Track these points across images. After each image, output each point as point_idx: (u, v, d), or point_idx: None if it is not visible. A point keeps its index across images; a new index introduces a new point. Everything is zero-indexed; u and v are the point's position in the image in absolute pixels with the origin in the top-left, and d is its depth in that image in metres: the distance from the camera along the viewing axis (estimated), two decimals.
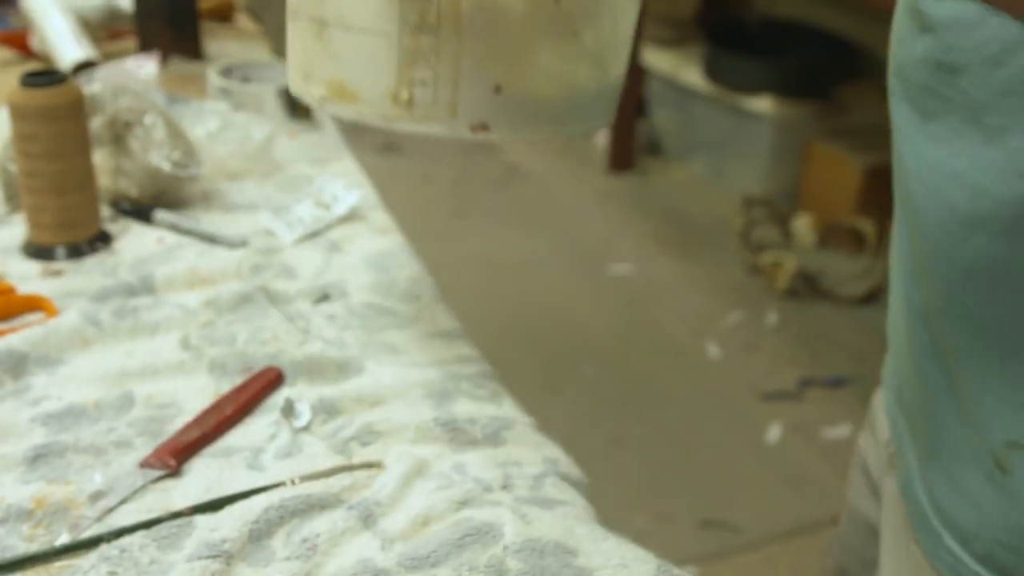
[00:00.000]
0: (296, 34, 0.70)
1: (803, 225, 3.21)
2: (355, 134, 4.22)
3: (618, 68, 0.74)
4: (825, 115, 3.34)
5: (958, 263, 0.63)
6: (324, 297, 0.98)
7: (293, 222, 1.09)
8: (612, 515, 2.47)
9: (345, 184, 1.15)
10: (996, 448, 0.65)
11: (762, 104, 3.28)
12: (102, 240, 1.08)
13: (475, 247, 3.31)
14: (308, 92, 0.71)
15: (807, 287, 3.02)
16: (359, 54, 0.66)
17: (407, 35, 0.64)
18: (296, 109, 1.33)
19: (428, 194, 3.68)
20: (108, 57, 1.59)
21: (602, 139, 3.88)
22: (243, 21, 1.88)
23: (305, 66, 0.70)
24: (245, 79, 1.39)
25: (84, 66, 1.50)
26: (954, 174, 0.61)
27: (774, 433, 2.43)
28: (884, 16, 3.15)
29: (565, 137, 0.72)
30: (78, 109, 1.03)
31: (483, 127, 0.67)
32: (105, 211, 1.13)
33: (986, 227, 0.60)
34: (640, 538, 0.73)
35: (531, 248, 3.30)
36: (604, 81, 0.72)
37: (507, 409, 0.86)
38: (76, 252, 1.05)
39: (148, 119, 1.13)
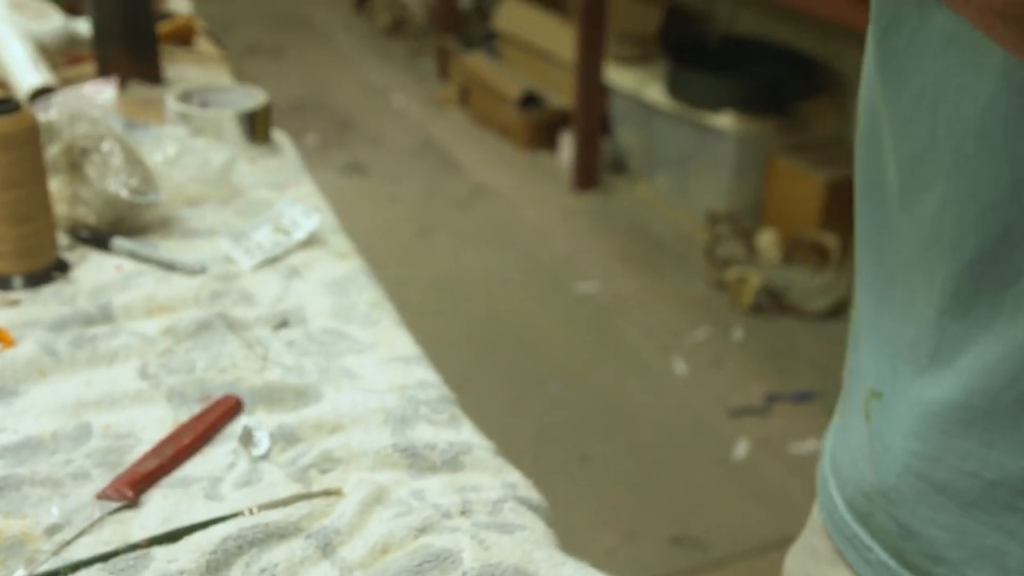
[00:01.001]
0: None
1: (767, 240, 3.23)
2: (320, 155, 4.22)
3: None
4: (786, 130, 3.37)
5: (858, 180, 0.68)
6: (283, 323, 0.98)
7: (252, 248, 1.09)
8: (580, 533, 2.48)
9: (304, 209, 1.14)
10: (865, 396, 0.68)
11: (724, 120, 3.30)
12: (60, 268, 1.07)
13: (440, 266, 3.31)
14: None
15: (772, 302, 3.03)
16: None
17: None
18: (255, 133, 1.33)
19: (393, 214, 3.68)
20: (67, 82, 1.58)
21: (567, 157, 3.89)
22: (203, 44, 1.87)
23: None
24: (204, 104, 1.38)
25: (42, 92, 1.49)
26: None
27: (742, 449, 2.44)
28: (843, 33, 3.20)
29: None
30: (33, 137, 1.03)
31: None
32: (63, 239, 1.12)
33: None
34: (609, 556, 0.73)
35: (496, 267, 3.30)
36: None
37: (466, 434, 0.86)
38: (34, 281, 1.04)
39: (105, 146, 1.12)
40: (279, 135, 1.40)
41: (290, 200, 1.18)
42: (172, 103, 1.35)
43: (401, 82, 5.09)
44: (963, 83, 0.56)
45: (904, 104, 0.61)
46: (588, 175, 3.80)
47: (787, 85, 3.40)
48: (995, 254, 0.57)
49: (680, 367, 2.76)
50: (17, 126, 1.01)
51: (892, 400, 0.65)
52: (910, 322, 0.63)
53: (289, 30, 6.07)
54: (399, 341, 0.97)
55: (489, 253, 3.39)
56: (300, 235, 1.11)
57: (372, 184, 3.91)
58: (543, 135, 4.12)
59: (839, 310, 3.00)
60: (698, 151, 3.49)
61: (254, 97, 1.38)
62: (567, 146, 3.92)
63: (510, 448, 0.87)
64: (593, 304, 3.08)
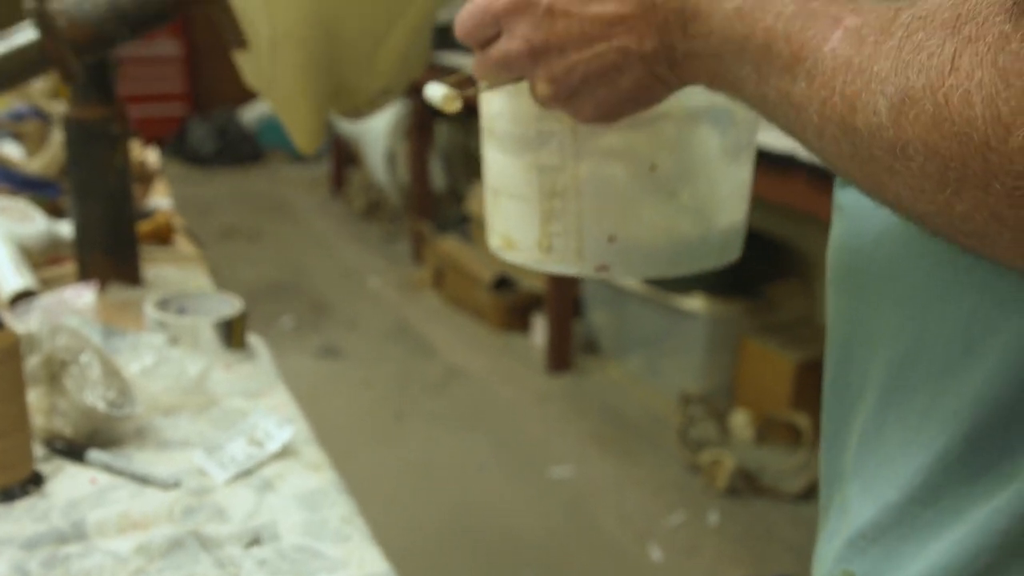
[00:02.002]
0: (486, 201, 0.91)
1: (740, 421, 3.26)
2: (295, 338, 4.23)
3: (726, 218, 0.86)
4: (756, 312, 3.43)
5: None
6: (255, 541, 0.99)
7: (226, 461, 1.10)
8: None
9: (278, 420, 1.16)
10: None
11: (695, 303, 3.37)
12: (34, 482, 1.08)
13: (415, 451, 3.31)
14: (491, 242, 0.90)
15: (747, 484, 3.04)
16: (516, 214, 0.86)
17: (544, 200, 0.83)
18: (232, 340, 1.36)
19: (368, 398, 3.69)
20: (48, 283, 1.62)
21: (540, 339, 3.94)
22: (182, 244, 1.92)
23: (488, 224, 0.90)
24: (181, 310, 1.41)
25: (24, 295, 1.53)
26: None
27: None
28: (810, 218, 3.30)
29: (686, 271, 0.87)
30: (15, 354, 1.05)
31: (604, 268, 0.84)
32: (38, 450, 1.13)
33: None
34: None
35: (471, 451, 3.30)
36: (709, 230, 0.85)
37: None
38: (8, 496, 1.05)
39: (84, 358, 1.15)
40: (254, 339, 1.43)
41: (264, 411, 1.20)
42: (150, 311, 1.38)
43: (376, 265, 5.17)
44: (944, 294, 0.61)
45: (887, 311, 0.66)
46: (561, 357, 3.84)
47: (755, 268, 3.49)
48: (970, 445, 0.60)
49: (656, 554, 2.74)
50: (0, 344, 1.03)
51: None
52: (878, 508, 0.66)
53: (266, 213, 6.19)
54: (369, 557, 0.98)
55: (464, 437, 3.39)
56: (274, 447, 1.13)
57: (347, 368, 3.93)
58: (516, 317, 4.18)
59: (813, 491, 3.00)
60: (669, 332, 3.54)
61: (230, 304, 1.41)
62: (540, 328, 3.98)
63: None
64: (568, 489, 3.08)
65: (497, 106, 0.84)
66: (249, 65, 1.38)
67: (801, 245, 3.52)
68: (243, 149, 7.52)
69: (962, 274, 0.60)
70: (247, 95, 6.84)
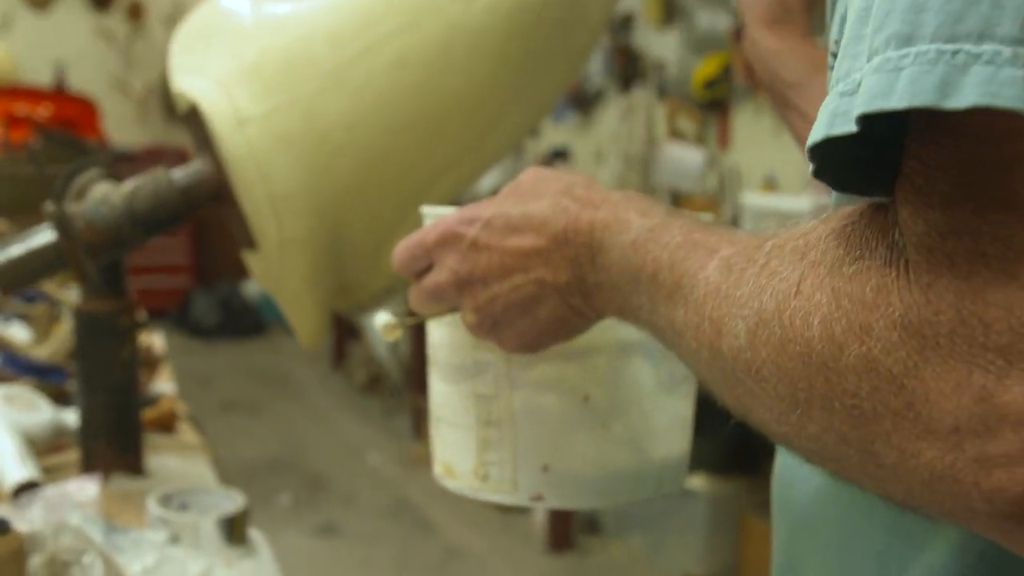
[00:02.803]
0: (430, 429, 0.91)
1: None
2: (293, 516, 4.20)
3: (663, 449, 0.87)
4: (756, 489, 3.42)
5: None
6: None
7: None
8: None
9: None
10: None
11: (695, 481, 3.36)
12: None
13: None
14: (434, 470, 0.90)
15: None
16: (455, 442, 0.86)
17: (480, 428, 0.83)
18: (233, 536, 1.36)
19: None
20: (51, 470, 1.63)
21: (541, 516, 3.91)
22: (185, 432, 1.93)
23: (431, 451, 0.91)
24: (183, 506, 1.42)
25: (27, 486, 1.54)
26: None
27: None
28: None
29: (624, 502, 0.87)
30: (19, 557, 1.06)
31: (538, 498, 0.84)
32: None
33: None
34: None
35: None
36: (644, 462, 0.85)
37: None
38: None
39: (87, 559, 1.15)
40: (255, 534, 1.43)
41: None
42: (153, 507, 1.39)
43: (377, 439, 5.16)
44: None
45: (816, 544, 0.69)
46: (562, 536, 3.81)
47: (754, 443, 3.48)
48: None
49: None
50: (5, 548, 1.04)
51: None
52: None
53: (267, 386, 6.21)
54: None
55: None
56: None
57: (345, 546, 3.89)
58: None
59: None
60: (671, 511, 3.52)
61: (232, 500, 1.42)
62: (541, 507, 3.95)
63: None
64: None
65: (438, 336, 0.87)
66: (257, 264, 1.43)
67: None
68: (245, 322, 7.59)
69: (874, 511, 0.62)
70: None
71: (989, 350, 0.42)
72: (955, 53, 0.41)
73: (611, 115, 5.13)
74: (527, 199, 0.72)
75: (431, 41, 1.22)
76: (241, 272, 7.74)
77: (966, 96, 0.40)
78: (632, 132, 4.75)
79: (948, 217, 0.43)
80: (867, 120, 0.44)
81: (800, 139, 1.10)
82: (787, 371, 0.49)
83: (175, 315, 7.62)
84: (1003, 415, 0.41)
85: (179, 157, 8.93)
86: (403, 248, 0.79)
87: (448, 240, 0.75)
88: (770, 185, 4.07)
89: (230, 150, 1.30)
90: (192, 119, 1.37)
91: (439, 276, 0.76)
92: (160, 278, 7.78)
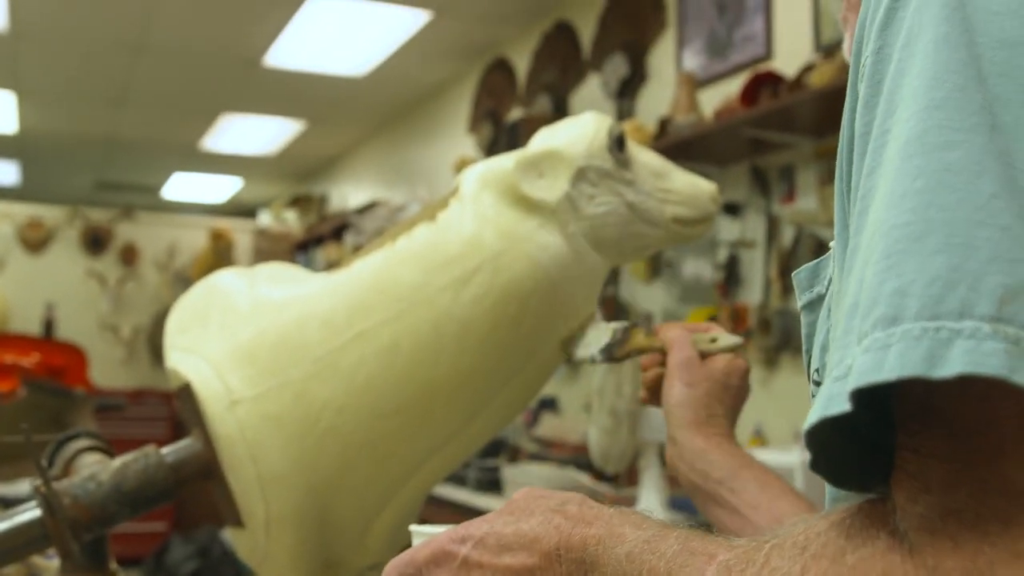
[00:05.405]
0: None
1: None
2: None
3: None
4: None
5: None
6: None
7: None
8: None
9: None
10: None
11: None
12: None
13: None
14: None
15: None
16: None
17: None
18: None
19: None
20: None
21: None
22: None
23: None
24: None
25: None
26: None
27: None
28: None
29: None
30: None
31: None
32: None
33: None
34: None
35: None
36: None
37: None
38: None
39: None
40: None
41: None
42: None
43: None
44: None
45: None
46: None
47: None
48: None
49: None
50: None
51: None
52: None
53: None
54: None
55: None
56: None
57: None
58: None
59: None
60: None
61: None
62: None
63: None
64: None
65: None
66: (243, 541, 1.42)
67: None
68: (224, 571, 7.39)
69: None
70: None
71: None
72: (938, 330, 0.44)
73: (599, 366, 5.16)
74: (519, 517, 0.73)
75: (422, 329, 1.25)
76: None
77: (952, 366, 0.43)
78: (620, 386, 4.78)
79: (946, 500, 0.45)
80: (860, 403, 0.46)
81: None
82: None
83: (150, 562, 7.44)
84: None
85: (164, 400, 8.93)
86: (393, 568, 0.78)
87: (439, 559, 0.74)
88: (759, 439, 4.08)
89: (220, 429, 1.32)
90: (184, 396, 1.39)
91: None
92: (135, 522, 7.59)
